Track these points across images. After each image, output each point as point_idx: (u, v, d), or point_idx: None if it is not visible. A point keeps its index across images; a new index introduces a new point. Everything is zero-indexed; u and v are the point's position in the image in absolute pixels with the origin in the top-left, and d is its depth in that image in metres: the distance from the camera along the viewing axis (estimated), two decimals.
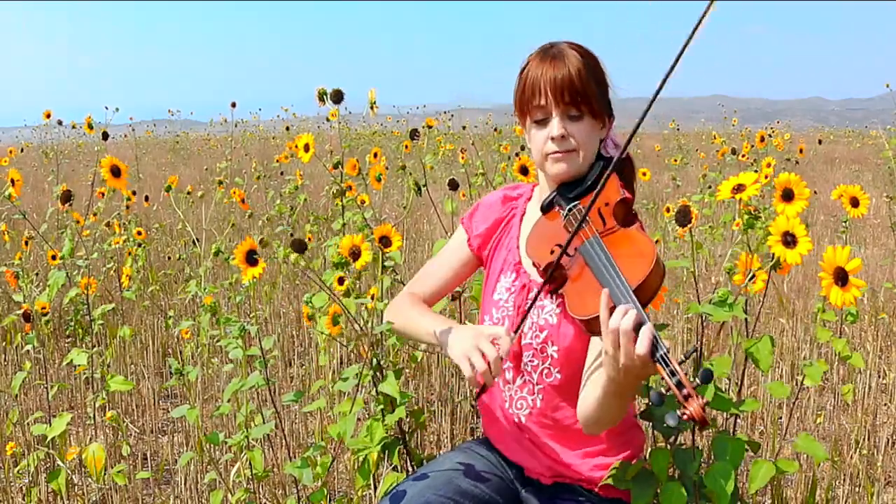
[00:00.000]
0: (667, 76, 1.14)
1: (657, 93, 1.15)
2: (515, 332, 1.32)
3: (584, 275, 1.23)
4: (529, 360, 1.41)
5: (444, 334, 1.37)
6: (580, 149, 1.37)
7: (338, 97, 1.82)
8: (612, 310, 1.10)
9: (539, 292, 1.30)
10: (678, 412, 1.03)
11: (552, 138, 1.36)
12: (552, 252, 1.28)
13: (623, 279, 1.15)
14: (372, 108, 1.92)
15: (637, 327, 1.07)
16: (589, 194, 1.36)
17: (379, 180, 2.76)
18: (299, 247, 1.71)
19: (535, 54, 1.40)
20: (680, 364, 1.05)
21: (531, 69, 1.39)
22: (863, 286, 1.26)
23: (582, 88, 1.34)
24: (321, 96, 1.82)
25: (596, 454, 1.42)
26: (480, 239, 1.56)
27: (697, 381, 1.04)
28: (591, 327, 1.17)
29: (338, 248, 1.80)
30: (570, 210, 1.35)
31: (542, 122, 1.39)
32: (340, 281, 1.68)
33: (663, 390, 1.07)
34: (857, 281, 1.26)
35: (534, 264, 1.37)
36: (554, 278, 1.29)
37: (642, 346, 1.05)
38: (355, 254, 1.68)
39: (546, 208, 1.42)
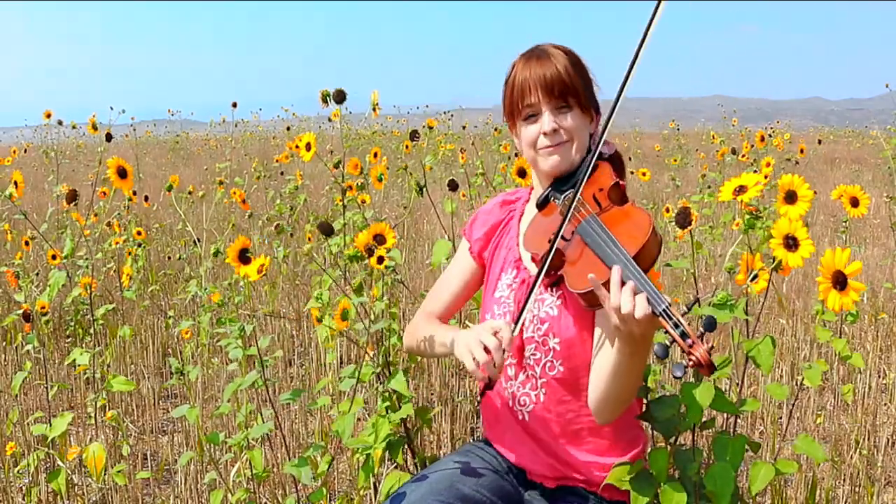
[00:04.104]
0: (626, 80, 1.20)
1: (620, 94, 1.23)
2: (516, 322, 1.34)
3: (584, 254, 1.27)
4: (532, 354, 1.42)
5: (451, 338, 1.40)
6: (573, 139, 1.41)
7: (340, 97, 1.82)
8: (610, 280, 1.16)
9: (537, 280, 1.32)
10: (684, 361, 1.07)
11: (544, 133, 1.40)
12: (549, 241, 1.31)
13: (622, 248, 1.20)
14: (374, 109, 1.93)
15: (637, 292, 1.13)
16: (583, 186, 1.39)
17: (380, 180, 2.76)
18: (327, 229, 1.72)
19: (520, 58, 1.44)
20: (683, 315, 1.10)
21: (518, 72, 1.42)
22: (862, 289, 1.23)
23: (570, 83, 1.38)
24: (324, 98, 1.82)
25: (599, 454, 1.42)
26: (480, 243, 1.58)
27: (701, 329, 1.09)
28: (591, 301, 1.22)
29: (339, 246, 1.80)
30: (564, 198, 1.38)
31: (532, 119, 1.42)
32: (380, 260, 1.68)
33: (668, 342, 1.11)
34: (856, 284, 1.22)
35: (532, 258, 1.41)
36: (553, 265, 1.32)
37: (640, 310, 1.12)
38: (371, 250, 1.69)
39: (542, 205, 1.45)
